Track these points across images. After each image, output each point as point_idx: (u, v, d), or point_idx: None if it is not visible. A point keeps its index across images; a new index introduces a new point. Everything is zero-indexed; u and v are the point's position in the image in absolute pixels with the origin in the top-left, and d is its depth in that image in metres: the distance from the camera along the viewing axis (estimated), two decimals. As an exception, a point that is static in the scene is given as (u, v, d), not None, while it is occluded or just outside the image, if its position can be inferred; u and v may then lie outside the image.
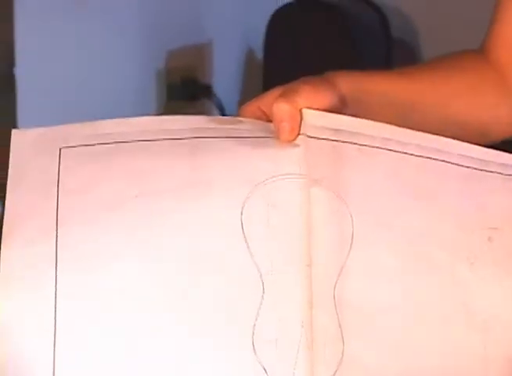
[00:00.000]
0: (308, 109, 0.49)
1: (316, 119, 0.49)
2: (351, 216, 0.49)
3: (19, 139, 0.51)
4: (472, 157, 0.53)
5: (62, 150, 0.50)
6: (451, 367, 0.50)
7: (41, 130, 0.51)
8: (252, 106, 0.52)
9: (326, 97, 0.49)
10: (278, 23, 1.82)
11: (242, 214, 0.47)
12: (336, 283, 0.47)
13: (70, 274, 0.46)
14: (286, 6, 1.81)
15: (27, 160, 0.50)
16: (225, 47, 1.83)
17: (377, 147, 0.51)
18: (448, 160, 0.52)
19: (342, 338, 0.46)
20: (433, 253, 0.50)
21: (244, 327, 0.45)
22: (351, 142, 0.50)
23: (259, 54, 1.83)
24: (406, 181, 0.51)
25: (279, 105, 0.47)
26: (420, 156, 0.52)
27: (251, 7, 1.91)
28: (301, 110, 0.48)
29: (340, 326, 0.46)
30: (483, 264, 0.51)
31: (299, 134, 0.48)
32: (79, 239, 0.47)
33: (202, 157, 0.49)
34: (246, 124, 0.50)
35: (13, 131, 0.51)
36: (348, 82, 0.54)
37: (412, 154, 0.52)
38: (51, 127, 0.50)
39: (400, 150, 0.51)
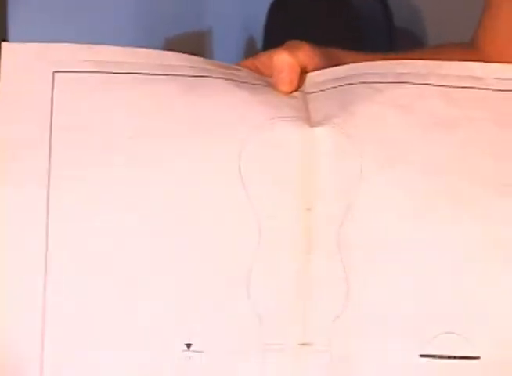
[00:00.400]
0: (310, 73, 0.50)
1: (318, 76, 0.49)
2: (361, 153, 0.47)
3: (10, 54, 0.49)
4: (509, 79, 0.50)
5: (55, 75, 0.48)
6: (479, 310, 0.47)
7: (34, 47, 0.48)
8: (248, 62, 0.51)
9: (323, 57, 0.50)
10: (278, 11, 1.82)
11: (240, 155, 0.46)
12: (341, 223, 0.46)
13: (62, 217, 0.45)
14: None
15: (17, 82, 0.49)
16: (224, 35, 1.83)
17: (391, 82, 0.49)
18: (476, 86, 0.50)
19: (347, 279, 0.45)
20: (461, 186, 0.47)
21: (239, 272, 0.45)
22: (360, 82, 0.49)
23: (259, 42, 1.83)
24: (428, 112, 0.49)
25: (280, 56, 0.48)
26: (443, 85, 0.49)
27: None
28: (300, 65, 0.48)
29: (344, 268, 0.45)
30: None
31: (297, 90, 0.48)
32: (72, 180, 0.46)
33: (201, 96, 0.48)
34: (244, 72, 0.49)
35: (3, 44, 0.48)
36: (341, 54, 0.55)
37: (433, 84, 0.49)
38: (45, 44, 0.48)
39: (419, 82, 0.49)
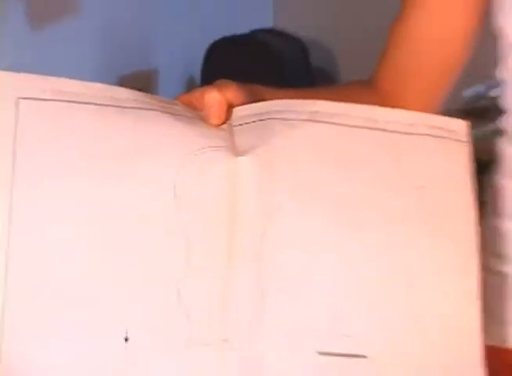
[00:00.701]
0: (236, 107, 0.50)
1: (243, 110, 0.50)
2: (277, 184, 0.48)
3: None
4: (399, 122, 0.52)
5: (20, 101, 0.48)
6: (386, 328, 0.48)
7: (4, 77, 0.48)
8: (184, 98, 0.53)
9: (248, 94, 0.51)
10: (213, 55, 1.97)
11: (175, 178, 0.47)
12: (259, 245, 0.47)
13: (24, 234, 0.45)
14: (220, 40, 1.98)
15: None
16: (169, 74, 1.97)
17: (305, 120, 0.50)
18: (374, 127, 0.51)
19: (262, 291, 0.46)
20: (366, 218, 0.49)
21: (171, 276, 0.46)
22: (278, 118, 0.50)
23: (198, 81, 1.99)
24: (335, 150, 0.50)
25: (210, 93, 0.49)
26: (348, 125, 0.51)
27: (193, 40, 2.04)
28: (227, 102, 0.49)
29: (260, 283, 0.46)
30: (414, 222, 0.50)
31: (225, 123, 0.49)
32: (32, 189, 0.47)
33: (143, 127, 0.48)
34: (179, 107, 0.50)
35: None
36: (264, 91, 0.56)
37: (340, 124, 0.51)
38: (10, 72, 0.48)
39: (328, 120, 0.50)
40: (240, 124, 0.49)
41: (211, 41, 1.95)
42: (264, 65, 1.92)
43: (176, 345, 0.44)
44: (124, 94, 0.48)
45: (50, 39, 1.69)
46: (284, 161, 0.48)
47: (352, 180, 0.48)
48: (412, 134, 0.51)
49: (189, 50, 2.02)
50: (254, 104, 0.49)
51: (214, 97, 0.48)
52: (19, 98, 0.47)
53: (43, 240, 0.45)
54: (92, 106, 0.47)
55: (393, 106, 0.56)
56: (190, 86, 2.00)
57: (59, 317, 0.44)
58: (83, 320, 0.44)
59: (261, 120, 0.49)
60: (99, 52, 1.83)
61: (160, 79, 1.89)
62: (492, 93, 1.27)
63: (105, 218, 0.46)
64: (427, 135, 0.51)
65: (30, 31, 1.65)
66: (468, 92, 1.55)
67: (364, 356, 0.47)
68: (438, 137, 0.51)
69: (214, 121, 0.48)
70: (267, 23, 2.22)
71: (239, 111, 0.49)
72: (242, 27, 2.05)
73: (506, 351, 0.62)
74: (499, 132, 0.65)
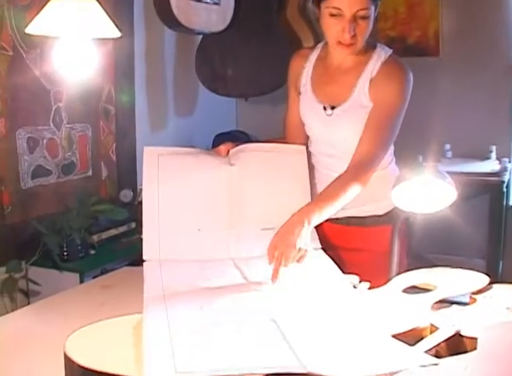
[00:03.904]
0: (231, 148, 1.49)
1: (233, 149, 1.50)
2: (246, 175, 1.45)
3: (147, 152, 1.45)
4: (287, 147, 1.57)
5: (159, 156, 1.43)
6: (277, 213, 1.36)
7: (154, 148, 1.42)
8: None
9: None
10: (218, 142, 2.41)
11: (213, 174, 1.43)
12: (241, 196, 1.49)
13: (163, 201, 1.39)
14: (223, 133, 3.49)
15: (147, 163, 1.41)
16: (203, 145, 2.80)
17: (252, 150, 1.52)
18: (273, 151, 1.52)
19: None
20: (270, 182, 1.50)
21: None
22: (245, 151, 1.51)
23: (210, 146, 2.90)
24: (261, 160, 1.50)
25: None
26: (266, 151, 1.53)
27: (208, 130, 3.40)
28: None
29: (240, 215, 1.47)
30: (288, 180, 1.53)
31: (227, 155, 1.52)
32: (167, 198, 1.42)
33: (203, 157, 1.49)
34: (213, 152, 1.53)
35: (145, 147, 1.46)
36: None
37: (263, 151, 1.52)
38: (157, 147, 1.43)
39: (259, 150, 1.53)
40: (233, 154, 1.51)
41: (217, 132, 3.42)
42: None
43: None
44: (197, 149, 1.55)
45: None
46: (248, 167, 1.47)
47: (266, 171, 1.48)
48: (287, 152, 1.56)
49: (205, 137, 3.35)
50: (236, 147, 1.53)
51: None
52: (159, 155, 1.45)
53: (170, 201, 1.40)
54: (182, 155, 1.47)
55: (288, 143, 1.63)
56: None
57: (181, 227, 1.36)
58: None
59: (239, 151, 1.51)
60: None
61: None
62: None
63: (193, 190, 1.43)
64: (292, 152, 1.53)
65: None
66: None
67: (273, 228, 1.28)
68: (298, 152, 1.55)
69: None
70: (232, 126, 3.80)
71: (231, 150, 1.53)
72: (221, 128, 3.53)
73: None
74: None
